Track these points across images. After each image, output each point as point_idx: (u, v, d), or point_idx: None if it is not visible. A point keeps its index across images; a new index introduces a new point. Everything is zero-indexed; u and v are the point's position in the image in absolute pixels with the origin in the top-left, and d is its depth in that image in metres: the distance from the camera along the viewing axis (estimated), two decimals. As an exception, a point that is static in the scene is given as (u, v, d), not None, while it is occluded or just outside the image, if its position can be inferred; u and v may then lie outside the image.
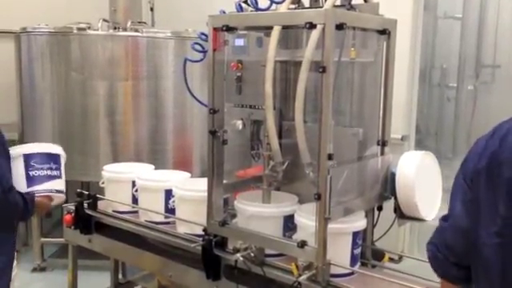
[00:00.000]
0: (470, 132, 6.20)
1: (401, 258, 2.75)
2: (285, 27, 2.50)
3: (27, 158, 2.89)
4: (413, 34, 4.38)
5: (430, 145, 5.88)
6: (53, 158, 3.01)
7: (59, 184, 3.02)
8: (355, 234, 2.46)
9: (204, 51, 2.83)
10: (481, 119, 6.04)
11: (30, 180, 2.87)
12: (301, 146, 2.40)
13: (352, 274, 2.46)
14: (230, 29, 2.54)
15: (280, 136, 2.77)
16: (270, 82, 2.46)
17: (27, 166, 2.88)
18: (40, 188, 2.90)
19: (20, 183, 2.85)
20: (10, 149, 2.85)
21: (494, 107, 5.83)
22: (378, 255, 2.70)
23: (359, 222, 2.49)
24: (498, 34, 5.87)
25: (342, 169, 2.40)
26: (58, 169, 3.03)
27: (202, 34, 2.77)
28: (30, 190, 2.87)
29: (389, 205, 2.70)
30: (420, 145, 5.08)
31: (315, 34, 2.29)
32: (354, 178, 2.53)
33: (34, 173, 2.89)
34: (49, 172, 2.96)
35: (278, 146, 2.56)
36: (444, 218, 1.95)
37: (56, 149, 3.08)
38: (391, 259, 2.72)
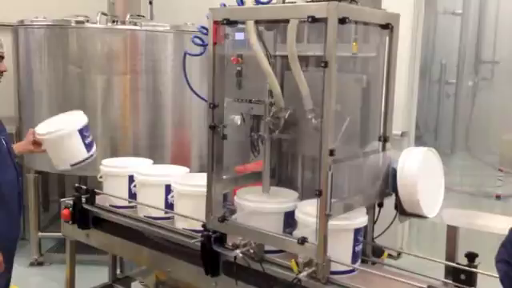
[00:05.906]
0: (469, 128, 6.19)
1: (399, 254, 2.74)
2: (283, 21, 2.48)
3: (81, 131, 3.36)
4: (414, 29, 4.36)
5: (429, 141, 5.87)
6: (89, 126, 3.49)
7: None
8: (357, 231, 2.44)
9: (204, 45, 2.80)
10: (480, 115, 6.03)
11: (87, 146, 3.38)
12: (303, 91, 2.38)
13: (353, 271, 2.45)
14: (230, 22, 2.51)
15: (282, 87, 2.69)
16: (253, 34, 2.48)
17: (82, 137, 3.36)
18: (94, 150, 3.43)
19: (81, 152, 3.35)
20: (61, 125, 3.35)
21: (493, 103, 5.81)
22: (377, 252, 2.69)
23: (361, 219, 2.47)
24: (498, 31, 5.86)
25: (343, 165, 2.37)
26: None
27: (203, 27, 2.74)
28: (89, 154, 3.38)
29: (388, 201, 2.69)
30: (418, 141, 5.07)
31: (292, 26, 2.31)
32: (355, 174, 2.51)
33: (86, 141, 3.38)
34: (91, 137, 3.46)
35: (279, 89, 2.54)
36: None
37: (85, 116, 3.50)
38: (390, 256, 2.70)
